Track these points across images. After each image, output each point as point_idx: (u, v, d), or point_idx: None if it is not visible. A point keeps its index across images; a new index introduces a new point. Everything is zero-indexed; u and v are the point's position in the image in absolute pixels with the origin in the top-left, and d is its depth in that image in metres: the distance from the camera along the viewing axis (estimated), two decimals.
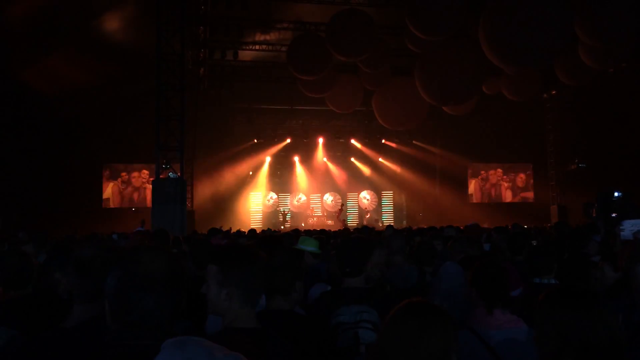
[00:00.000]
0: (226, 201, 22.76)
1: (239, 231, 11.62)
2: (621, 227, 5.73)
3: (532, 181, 25.79)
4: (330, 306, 2.91)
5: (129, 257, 1.62)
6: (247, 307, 2.02)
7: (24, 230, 9.63)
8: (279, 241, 4.91)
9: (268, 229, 15.30)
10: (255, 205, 24.57)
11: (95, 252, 2.17)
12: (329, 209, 25.08)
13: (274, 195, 24.78)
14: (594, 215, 10.86)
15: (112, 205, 21.90)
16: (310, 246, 4.59)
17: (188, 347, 1.29)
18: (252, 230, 10.43)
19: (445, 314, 1.71)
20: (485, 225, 13.40)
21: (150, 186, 13.62)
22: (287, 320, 2.46)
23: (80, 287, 2.10)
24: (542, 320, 1.74)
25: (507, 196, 25.78)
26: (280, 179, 24.94)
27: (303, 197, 25.08)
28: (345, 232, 10.01)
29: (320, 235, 7.05)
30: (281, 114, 22.96)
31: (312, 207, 25.12)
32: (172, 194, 12.07)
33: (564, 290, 1.81)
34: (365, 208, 25.45)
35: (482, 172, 25.86)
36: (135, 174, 22.38)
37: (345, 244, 3.29)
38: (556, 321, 1.69)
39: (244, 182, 23.98)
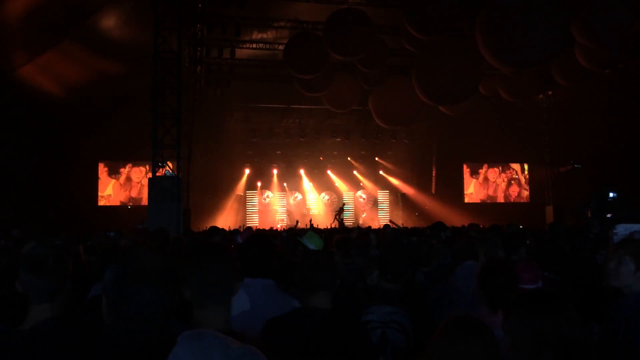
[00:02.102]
0: (222, 200, 22.75)
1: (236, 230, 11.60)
2: (615, 231, 5.76)
3: (527, 181, 25.89)
4: (362, 304, 2.92)
5: (127, 253, 1.67)
6: (209, 309, 1.90)
7: (18, 228, 9.61)
8: (268, 240, 4.89)
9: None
10: (251, 203, 24.58)
11: (47, 250, 2.13)
12: (326, 208, 25.10)
13: (270, 194, 24.79)
14: (589, 216, 10.90)
15: (110, 203, 21.87)
16: (314, 245, 4.43)
17: (204, 339, 1.32)
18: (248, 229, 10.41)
19: (491, 332, 1.74)
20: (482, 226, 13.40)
21: (146, 184, 13.60)
22: (329, 319, 2.46)
23: (35, 286, 2.06)
24: (517, 324, 1.73)
25: (503, 196, 25.86)
26: (277, 177, 24.95)
27: (299, 196, 25.09)
28: (342, 232, 10.01)
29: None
30: (278, 112, 22.95)
31: (309, 205, 25.13)
32: (168, 192, 12.04)
33: (537, 293, 1.82)
34: (362, 207, 25.47)
35: (478, 171, 25.93)
36: (131, 171, 22.36)
37: (389, 250, 3.20)
38: (534, 324, 1.69)
39: (240, 181, 23.99)
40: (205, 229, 14.02)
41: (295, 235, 5.82)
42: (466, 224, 11.46)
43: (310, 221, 20.04)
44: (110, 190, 22.05)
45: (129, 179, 22.31)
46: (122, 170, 22.23)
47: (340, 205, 23.83)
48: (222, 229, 9.17)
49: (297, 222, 19.13)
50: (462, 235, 6.46)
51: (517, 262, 3.49)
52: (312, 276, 2.51)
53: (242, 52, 18.14)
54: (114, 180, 22.11)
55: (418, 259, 4.50)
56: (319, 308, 2.49)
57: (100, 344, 1.56)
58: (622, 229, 5.33)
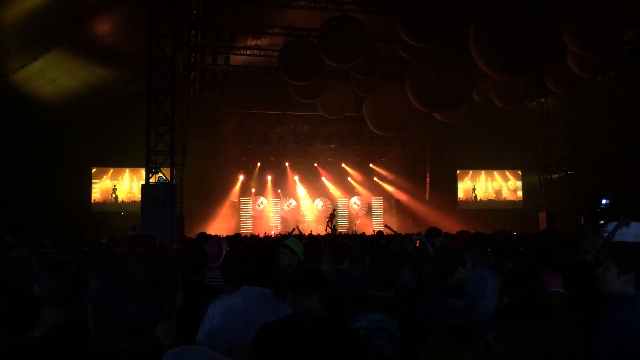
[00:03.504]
0: (216, 206, 22.68)
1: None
2: (606, 228, 5.88)
3: (520, 188, 25.99)
4: (351, 311, 2.91)
5: (114, 261, 1.61)
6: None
7: (12, 235, 9.52)
8: (268, 247, 4.86)
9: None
10: (245, 210, 24.52)
11: (71, 256, 2.16)
12: (320, 215, 25.08)
13: (264, 200, 24.76)
14: (582, 222, 10.93)
15: (100, 209, 21.77)
16: (297, 248, 4.46)
17: (191, 356, 1.28)
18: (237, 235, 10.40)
19: (484, 340, 1.74)
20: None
21: (140, 190, 13.54)
22: (323, 325, 2.48)
23: (52, 290, 2.08)
24: (503, 332, 1.72)
25: (496, 202, 25.94)
26: (271, 184, 24.93)
27: (293, 203, 25.07)
28: (336, 238, 9.99)
29: (310, 240, 7.02)
30: (272, 119, 22.95)
31: (303, 212, 25.11)
32: (161, 198, 11.97)
33: (524, 303, 1.80)
34: (356, 214, 25.46)
35: (472, 178, 26.01)
36: (125, 178, 22.28)
37: (379, 257, 3.16)
38: (517, 334, 1.67)
39: (234, 187, 23.94)
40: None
41: (278, 241, 5.82)
42: (459, 230, 11.49)
43: (297, 228, 19.98)
44: (99, 196, 21.96)
45: (120, 185, 22.23)
46: (113, 176, 22.15)
47: (331, 212, 23.84)
48: (215, 236, 9.14)
49: (294, 229, 19.10)
50: (453, 243, 6.48)
51: (542, 269, 3.51)
52: (305, 280, 2.51)
53: (236, 59, 18.15)
54: (103, 187, 22.02)
55: (412, 264, 4.49)
56: (313, 315, 2.48)
57: (87, 355, 1.51)
58: (611, 227, 5.53)
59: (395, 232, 14.39)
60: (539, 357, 1.63)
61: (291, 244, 4.52)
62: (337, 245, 5.36)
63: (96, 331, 1.56)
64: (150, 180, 12.33)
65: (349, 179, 25.52)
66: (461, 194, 25.81)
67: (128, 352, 1.48)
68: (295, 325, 2.44)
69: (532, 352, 1.63)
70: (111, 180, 22.19)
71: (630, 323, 2.38)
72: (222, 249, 4.35)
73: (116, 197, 22.11)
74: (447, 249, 5.24)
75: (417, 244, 4.93)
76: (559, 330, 1.66)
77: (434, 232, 6.75)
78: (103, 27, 15.80)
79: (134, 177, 22.05)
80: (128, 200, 22.10)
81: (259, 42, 18.25)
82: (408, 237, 9.16)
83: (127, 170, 22.15)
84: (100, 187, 22.06)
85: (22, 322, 2.50)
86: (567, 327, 1.69)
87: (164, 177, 12.47)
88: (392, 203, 25.75)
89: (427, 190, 25.27)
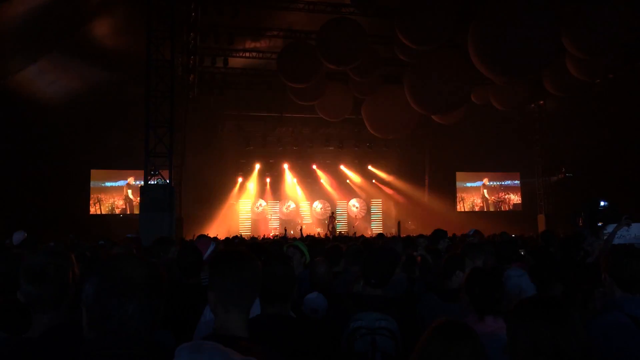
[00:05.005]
0: (215, 208, 22.67)
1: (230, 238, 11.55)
2: (605, 231, 5.89)
3: (519, 190, 26.00)
4: (349, 311, 2.92)
5: (108, 264, 1.58)
6: (233, 314, 1.97)
7: (10, 238, 9.53)
8: (263, 249, 4.90)
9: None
10: (244, 212, 24.51)
11: (47, 259, 2.10)
12: (318, 217, 25.08)
13: (263, 203, 24.74)
14: (581, 224, 10.97)
15: (99, 212, 21.75)
16: (305, 251, 4.57)
17: (205, 350, 1.28)
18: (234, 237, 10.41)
19: (478, 337, 1.75)
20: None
21: (138, 193, 13.52)
22: (286, 323, 2.50)
23: (38, 296, 2.03)
24: (515, 329, 1.74)
25: (495, 205, 25.95)
26: (270, 186, 24.93)
27: (292, 205, 25.06)
28: (335, 240, 9.99)
29: (311, 242, 7.02)
30: (271, 121, 22.95)
31: (302, 214, 25.11)
32: (160, 201, 11.97)
33: (537, 300, 1.82)
34: (355, 216, 25.44)
35: (471, 180, 26.02)
36: (123, 180, 22.26)
37: (372, 255, 3.22)
38: (529, 331, 1.69)
39: (233, 190, 23.94)
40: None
41: (278, 243, 5.86)
42: (458, 233, 11.46)
43: (301, 229, 20.07)
44: (98, 199, 21.94)
45: (119, 188, 22.22)
46: (112, 179, 22.13)
47: (330, 214, 23.82)
48: (215, 237, 9.14)
49: (285, 230, 19.28)
50: (458, 244, 6.48)
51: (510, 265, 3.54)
52: (271, 287, 2.53)
53: (235, 61, 18.16)
54: (102, 190, 22.01)
55: (403, 265, 4.51)
56: (278, 314, 2.51)
57: None
58: (611, 229, 5.55)
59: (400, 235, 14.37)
60: (551, 354, 1.64)
61: (299, 245, 4.61)
62: (331, 247, 5.36)
63: (91, 335, 1.53)
64: (149, 183, 12.33)
65: (348, 181, 25.51)
66: (460, 196, 25.81)
67: (123, 357, 1.46)
68: (262, 325, 2.46)
69: (544, 349, 1.65)
70: (109, 183, 22.15)
71: (615, 324, 2.38)
72: (210, 246, 4.35)
73: (113, 202, 22.08)
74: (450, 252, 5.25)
75: (419, 260, 4.94)
76: (570, 328, 1.68)
77: (440, 234, 6.75)
78: (102, 30, 15.79)
79: (133, 180, 22.01)
80: (127, 203, 22.08)
81: (258, 45, 18.27)
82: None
83: (126, 172, 22.11)
84: (99, 190, 22.02)
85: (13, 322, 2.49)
86: (578, 325, 1.71)
87: (163, 180, 12.47)
88: (391, 205, 25.75)
89: (426, 192, 25.26)
